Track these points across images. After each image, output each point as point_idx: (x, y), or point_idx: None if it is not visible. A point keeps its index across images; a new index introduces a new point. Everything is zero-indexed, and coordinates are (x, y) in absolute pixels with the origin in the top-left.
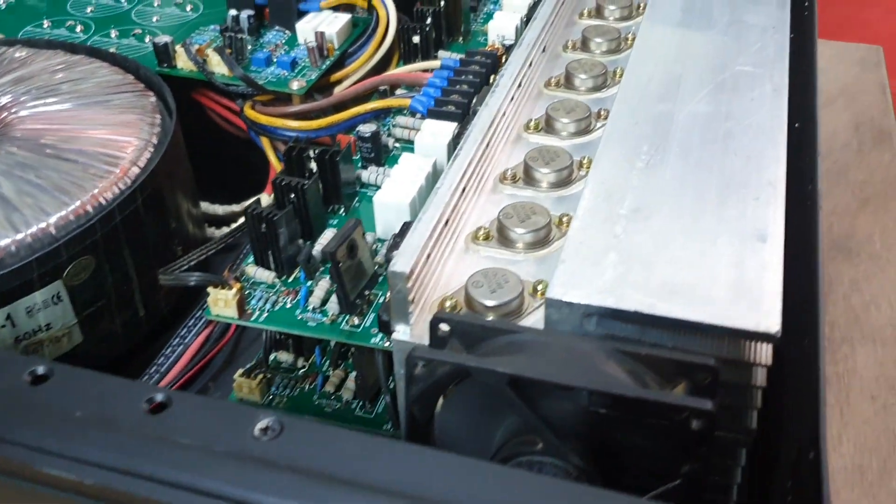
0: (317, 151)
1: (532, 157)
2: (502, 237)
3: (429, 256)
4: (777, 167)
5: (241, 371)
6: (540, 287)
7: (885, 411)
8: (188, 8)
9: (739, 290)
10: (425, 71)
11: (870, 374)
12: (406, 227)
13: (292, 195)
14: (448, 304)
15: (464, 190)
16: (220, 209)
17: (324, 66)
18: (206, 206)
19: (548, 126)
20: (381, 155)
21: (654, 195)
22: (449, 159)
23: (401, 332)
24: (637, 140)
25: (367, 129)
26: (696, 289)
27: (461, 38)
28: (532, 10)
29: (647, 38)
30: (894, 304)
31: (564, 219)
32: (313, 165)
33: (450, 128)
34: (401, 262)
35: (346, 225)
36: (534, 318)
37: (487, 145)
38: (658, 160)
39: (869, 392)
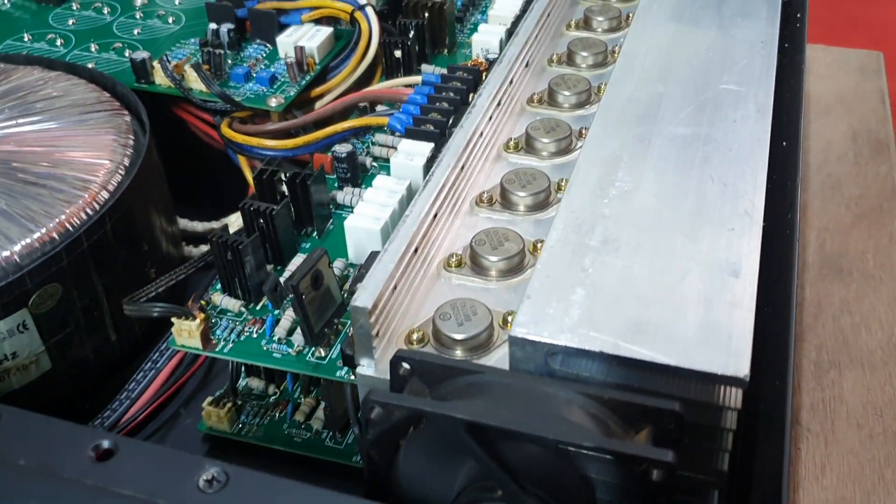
0: (288, 175)
1: (509, 180)
2: (475, 264)
3: (395, 287)
4: (755, 195)
5: (209, 399)
6: (510, 318)
7: (871, 440)
8: (170, 20)
9: (708, 329)
10: (408, 86)
11: (857, 400)
12: (372, 258)
13: (261, 220)
14: (415, 336)
15: (436, 215)
16: (199, 226)
17: (303, 82)
18: (184, 223)
19: (528, 146)
20: (357, 175)
21: (626, 226)
22: (427, 175)
23: (365, 367)
24: (612, 165)
25: (342, 149)
26: (663, 328)
27: (446, 51)
28: (516, 23)
29: (631, 53)
30: (885, 326)
31: (539, 244)
32: (286, 188)
33: (426, 148)
34: (363, 296)
35: (310, 255)
36: (502, 352)
37: (462, 168)
38: (632, 187)
39: (855, 420)
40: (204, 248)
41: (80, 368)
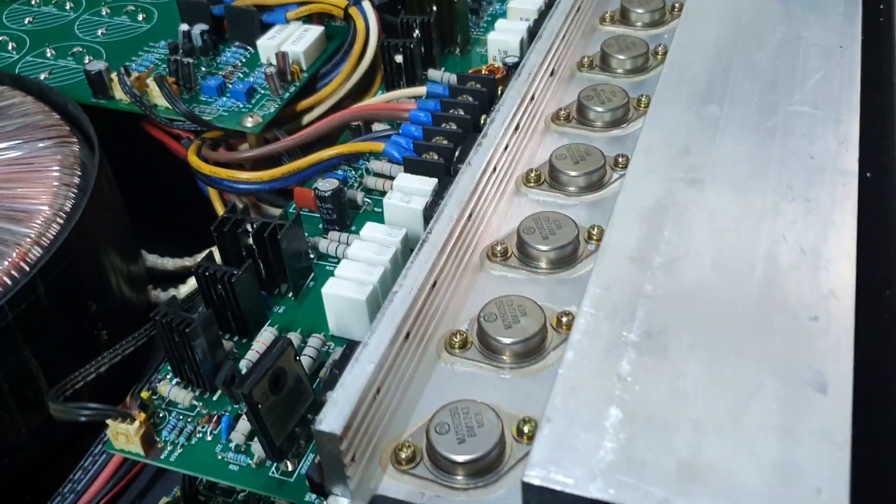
0: (255, 225)
1: (527, 229)
2: (485, 346)
3: (379, 391)
4: (843, 270)
5: None
6: (527, 429)
7: None
8: (140, 17)
9: (787, 477)
10: (413, 98)
11: None
12: (350, 350)
13: (219, 287)
14: (404, 454)
15: (435, 283)
16: (170, 263)
17: (287, 95)
18: (153, 260)
19: (553, 179)
20: (345, 216)
21: (675, 311)
22: (426, 229)
23: (339, 495)
24: (656, 217)
25: (326, 185)
26: (725, 475)
27: (458, 50)
28: (541, 19)
29: (678, 63)
30: None
31: (565, 319)
32: (252, 242)
33: (428, 186)
34: (331, 416)
35: (268, 349)
36: (515, 480)
37: (470, 216)
38: (682, 251)
39: None
40: (174, 291)
41: (15, 454)
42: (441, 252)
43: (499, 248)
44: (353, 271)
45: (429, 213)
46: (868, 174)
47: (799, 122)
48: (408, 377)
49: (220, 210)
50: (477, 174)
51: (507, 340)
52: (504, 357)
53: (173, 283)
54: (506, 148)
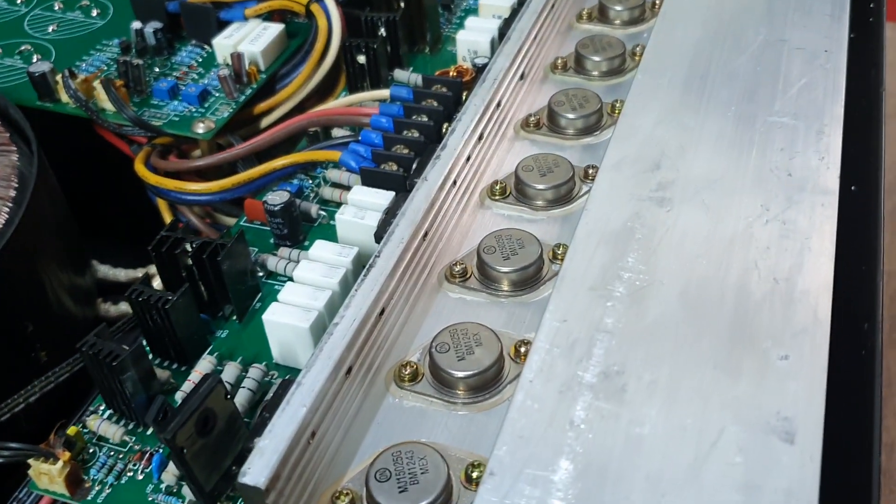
0: (194, 245)
1: (488, 248)
2: (435, 377)
3: (314, 434)
4: (819, 302)
5: None
6: (475, 474)
7: None
8: (94, 13)
9: None
10: (376, 102)
11: None
12: (283, 390)
13: (154, 314)
14: (342, 502)
15: (382, 311)
16: (122, 274)
17: (242, 98)
18: (105, 270)
19: (518, 191)
20: (297, 231)
21: (636, 347)
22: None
23: None
24: (620, 241)
25: (276, 198)
26: None
27: (428, 49)
28: (511, 19)
29: (650, 71)
30: None
31: (524, 349)
32: (192, 262)
33: (384, 200)
34: (256, 469)
35: (195, 388)
36: None
37: (426, 235)
38: (646, 280)
39: None
40: (125, 306)
41: None
42: (390, 277)
43: (458, 268)
44: (297, 296)
45: (380, 232)
46: (853, 188)
47: (778, 135)
48: (350, 415)
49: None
50: (433, 190)
51: (461, 374)
52: (457, 391)
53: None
54: (468, 160)
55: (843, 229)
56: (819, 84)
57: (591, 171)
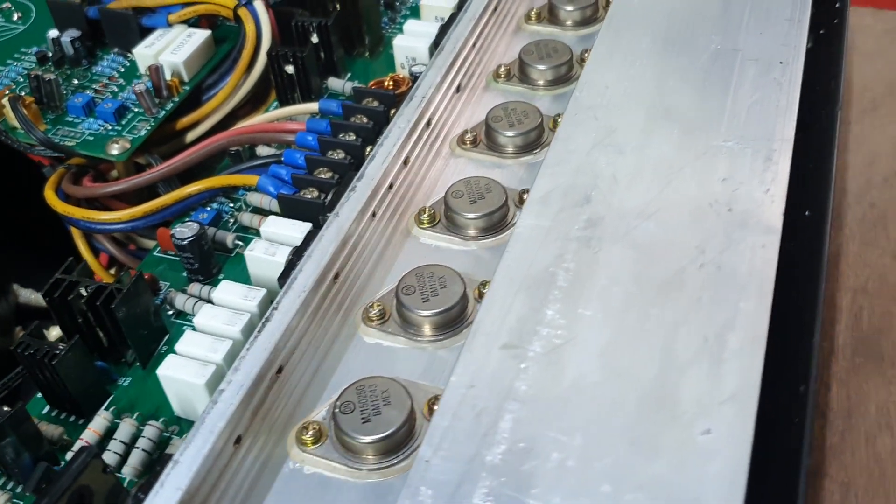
0: (89, 290)
1: (407, 288)
2: (344, 447)
3: None
4: (750, 363)
5: None
6: None
7: None
8: (15, 17)
9: None
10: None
11: None
12: (161, 466)
13: (41, 369)
14: None
15: (280, 370)
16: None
17: (162, 114)
18: (26, 295)
19: (448, 220)
20: (209, 265)
21: (547, 417)
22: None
23: None
24: (536, 299)
25: (184, 231)
26: None
27: (367, 53)
28: (447, 25)
29: (589, 85)
30: None
31: (435, 405)
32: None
33: (300, 232)
34: None
35: (69, 463)
36: None
37: (336, 277)
38: (562, 342)
39: None
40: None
41: None
42: (289, 330)
43: (375, 310)
44: (196, 347)
45: (284, 277)
46: (807, 212)
47: (723, 162)
48: (245, 489)
49: (84, 252)
50: (345, 226)
51: (368, 439)
52: (366, 455)
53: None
54: (391, 187)
55: (783, 275)
56: (771, 101)
57: (526, 195)
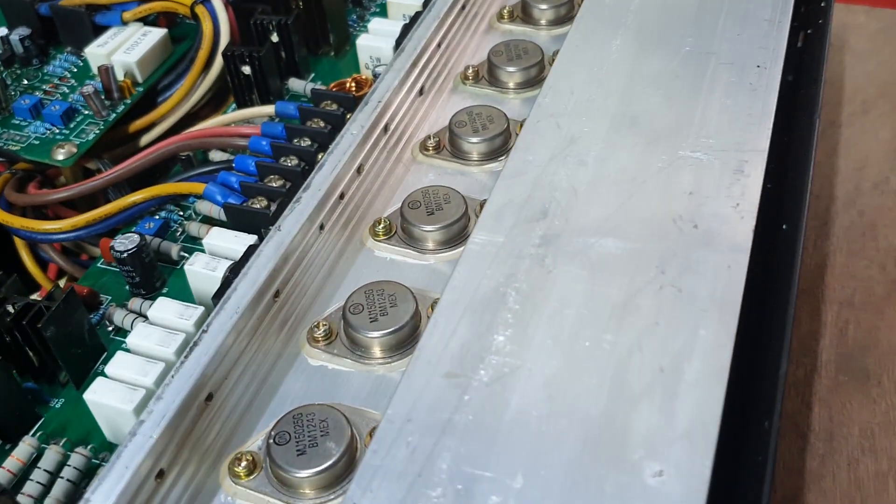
0: (17, 307)
1: (354, 307)
2: (279, 480)
3: None
4: (709, 395)
5: None
6: None
7: None
8: None
9: None
10: (268, 118)
11: None
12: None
13: None
14: None
15: (210, 397)
16: None
17: (112, 118)
18: None
19: (405, 232)
20: (152, 278)
21: (486, 454)
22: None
23: None
24: (484, 322)
25: (124, 243)
26: None
27: (332, 52)
28: (411, 24)
29: (554, 90)
30: None
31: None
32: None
33: (244, 245)
34: None
35: None
36: None
37: (277, 295)
38: (509, 370)
39: None
40: None
41: None
42: (218, 356)
43: (320, 330)
44: (126, 369)
45: (219, 295)
46: (784, 226)
47: (689, 174)
48: None
49: (28, 264)
50: (285, 242)
51: (304, 474)
52: (301, 490)
53: None
54: (341, 197)
55: (750, 298)
56: (744, 108)
57: (480, 208)
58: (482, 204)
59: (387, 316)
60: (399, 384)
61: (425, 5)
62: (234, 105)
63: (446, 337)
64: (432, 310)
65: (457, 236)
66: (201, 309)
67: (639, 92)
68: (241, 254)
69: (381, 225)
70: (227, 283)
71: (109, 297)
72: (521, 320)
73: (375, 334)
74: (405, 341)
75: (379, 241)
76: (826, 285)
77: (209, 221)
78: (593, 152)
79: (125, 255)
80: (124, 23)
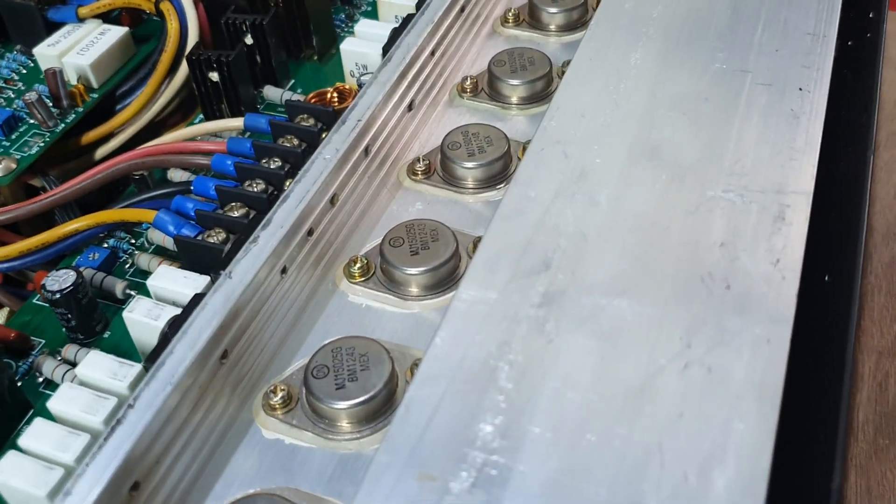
0: None
1: (318, 369)
2: None
3: None
4: (747, 498)
5: None
6: None
7: None
8: None
9: None
10: (239, 132)
11: None
12: None
13: None
14: None
15: (136, 486)
16: None
17: (60, 129)
18: None
19: (385, 274)
20: (90, 321)
21: None
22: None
23: None
24: (468, 406)
25: (56, 282)
26: None
27: (316, 56)
28: (401, 28)
29: (562, 111)
30: None
31: None
32: None
33: (194, 288)
34: None
35: None
36: None
37: (225, 356)
38: (496, 476)
39: None
40: None
41: None
42: (144, 438)
43: (277, 396)
44: (44, 442)
45: (152, 358)
46: (826, 277)
47: (720, 219)
48: None
49: None
50: (238, 292)
51: None
52: None
53: None
54: (310, 233)
55: (794, 379)
56: (784, 140)
57: (475, 246)
58: (475, 242)
59: (356, 382)
60: (362, 484)
61: (419, 6)
62: (200, 117)
63: (422, 423)
64: (412, 373)
65: (445, 280)
66: (137, 367)
67: (661, 116)
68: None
69: (358, 265)
70: (164, 340)
71: (43, 342)
72: (515, 405)
73: (341, 405)
74: (377, 413)
75: (354, 283)
76: (863, 331)
77: (163, 253)
78: (607, 189)
79: (58, 296)
80: (80, 19)
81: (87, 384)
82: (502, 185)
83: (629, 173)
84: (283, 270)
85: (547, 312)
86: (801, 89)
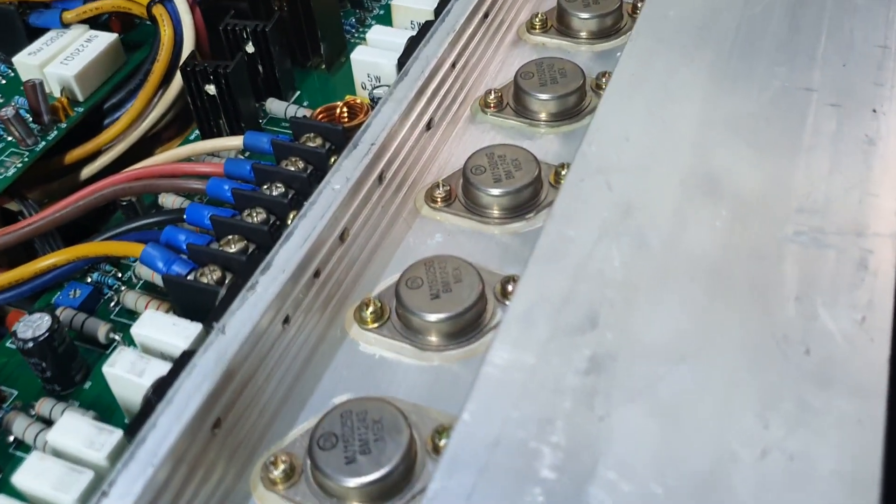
0: None
1: (324, 438)
2: None
3: None
4: None
5: None
6: None
7: None
8: None
9: None
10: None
11: None
12: None
13: None
14: None
15: None
16: None
17: (41, 148)
18: None
19: (401, 320)
20: (67, 371)
21: None
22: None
23: None
24: (510, 476)
25: (28, 329)
26: None
27: (324, 65)
28: (418, 38)
29: (603, 133)
30: None
31: None
32: None
33: (184, 340)
34: None
35: None
36: None
37: (217, 425)
38: None
39: None
40: None
41: None
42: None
43: (279, 469)
44: None
45: (131, 430)
46: None
47: (793, 267)
48: None
49: None
50: (231, 351)
51: None
52: None
53: None
54: (317, 275)
55: (892, 469)
56: (860, 171)
57: (510, 287)
58: (503, 282)
59: (368, 455)
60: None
61: (438, 13)
62: (196, 133)
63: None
64: (432, 441)
65: (469, 327)
66: (118, 435)
67: (716, 140)
68: (178, 351)
69: (370, 308)
70: (148, 407)
71: (15, 393)
72: (560, 502)
73: (352, 482)
74: (393, 492)
75: (366, 329)
76: None
77: (152, 290)
78: (658, 229)
79: (31, 344)
80: (65, 25)
81: (61, 453)
82: (532, 215)
83: (684, 209)
84: (286, 320)
85: (595, 382)
86: (874, 111)
